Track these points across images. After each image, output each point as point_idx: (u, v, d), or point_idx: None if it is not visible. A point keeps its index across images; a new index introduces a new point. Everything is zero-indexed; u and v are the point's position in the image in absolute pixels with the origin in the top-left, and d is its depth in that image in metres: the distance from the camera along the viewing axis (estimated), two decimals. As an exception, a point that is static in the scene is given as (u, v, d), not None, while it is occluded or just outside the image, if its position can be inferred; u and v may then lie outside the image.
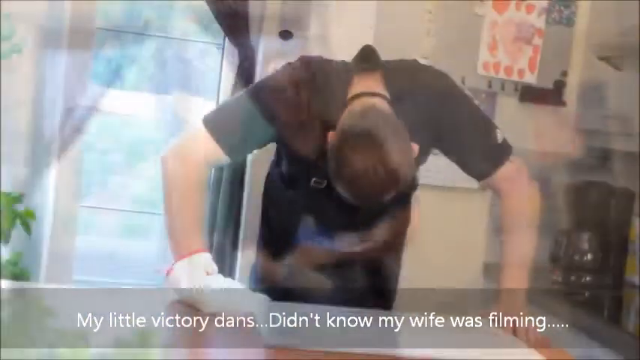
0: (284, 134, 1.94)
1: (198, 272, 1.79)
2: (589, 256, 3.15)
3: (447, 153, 2.09)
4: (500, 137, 2.07)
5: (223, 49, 3.29)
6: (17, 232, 2.85)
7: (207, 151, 1.95)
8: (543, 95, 3.32)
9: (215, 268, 1.83)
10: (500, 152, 2.08)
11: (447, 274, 3.29)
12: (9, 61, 4.36)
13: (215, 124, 1.97)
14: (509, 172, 2.08)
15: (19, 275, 2.87)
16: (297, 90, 1.91)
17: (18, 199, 2.81)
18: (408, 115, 1.89)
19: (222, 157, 1.97)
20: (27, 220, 2.82)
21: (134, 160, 3.76)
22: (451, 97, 2.07)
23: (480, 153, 2.07)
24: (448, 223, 3.30)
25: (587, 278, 3.14)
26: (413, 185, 2.10)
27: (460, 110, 2.06)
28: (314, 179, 1.95)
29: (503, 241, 2.08)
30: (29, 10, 4.25)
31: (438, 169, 3.24)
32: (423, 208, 3.25)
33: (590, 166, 3.31)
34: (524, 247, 2.05)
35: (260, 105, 1.93)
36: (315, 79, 1.94)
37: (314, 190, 1.96)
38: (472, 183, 3.26)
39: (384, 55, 3.15)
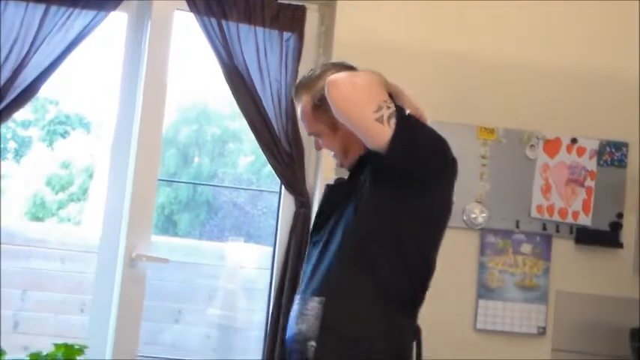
0: None
1: None
2: (656, 402, 3.05)
3: None
4: None
5: (280, 195, 3.33)
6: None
7: None
8: (599, 237, 3.30)
9: None
10: None
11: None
12: (68, 210, 4.49)
13: None
14: None
15: None
16: None
17: (80, 351, 2.81)
18: None
19: None
20: (87, 373, 2.80)
21: (191, 308, 3.77)
22: None
23: None
24: None
25: None
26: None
27: None
28: None
29: None
30: (90, 160, 4.38)
31: (496, 314, 3.21)
32: (481, 353, 3.20)
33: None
34: None
35: None
36: None
37: None
38: (531, 328, 3.24)
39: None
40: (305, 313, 2.12)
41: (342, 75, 2.08)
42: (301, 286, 2.22)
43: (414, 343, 2.19)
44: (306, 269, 2.23)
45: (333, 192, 2.31)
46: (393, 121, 2.03)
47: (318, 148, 2.32)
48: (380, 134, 2.02)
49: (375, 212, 2.12)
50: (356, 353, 2.07)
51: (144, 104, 3.13)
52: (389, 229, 2.11)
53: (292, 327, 2.16)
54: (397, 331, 2.12)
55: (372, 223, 2.12)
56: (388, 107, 2.04)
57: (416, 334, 2.19)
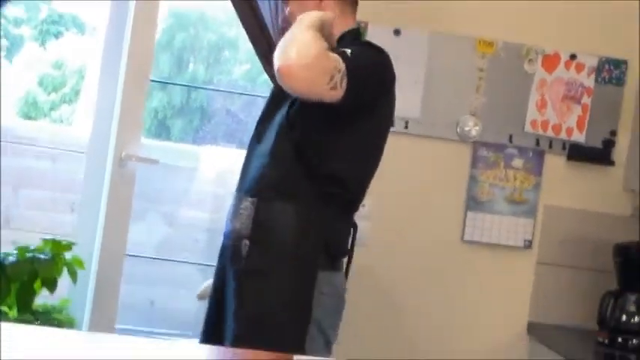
0: None
1: None
2: (636, 318, 3.09)
3: None
4: None
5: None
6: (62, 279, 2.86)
7: None
8: (591, 154, 3.30)
9: None
10: None
11: (491, 333, 3.25)
12: (60, 111, 4.46)
13: None
14: None
15: (65, 322, 2.88)
16: None
17: (68, 247, 2.83)
18: None
19: None
20: (75, 268, 2.82)
21: (180, 211, 3.78)
22: None
23: None
24: (493, 281, 3.27)
25: (635, 341, 3.08)
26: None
27: None
28: None
29: None
30: (83, 61, 4.33)
31: (484, 227, 3.24)
32: (468, 264, 3.24)
33: (638, 226, 3.27)
34: None
35: None
36: None
37: None
38: (518, 241, 3.26)
39: (432, 111, 3.18)
40: (240, 212, 2.20)
41: (291, 59, 2.00)
42: (238, 184, 2.30)
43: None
44: (243, 167, 2.31)
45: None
46: (345, 80, 2.04)
47: (290, 18, 2.26)
48: (334, 97, 2.05)
49: (314, 123, 2.16)
50: (287, 251, 2.14)
51: (137, 5, 3.08)
52: (328, 139, 2.17)
53: (227, 224, 2.25)
54: (333, 231, 2.19)
55: (311, 132, 2.18)
56: (339, 70, 2.03)
57: (354, 230, 2.28)
